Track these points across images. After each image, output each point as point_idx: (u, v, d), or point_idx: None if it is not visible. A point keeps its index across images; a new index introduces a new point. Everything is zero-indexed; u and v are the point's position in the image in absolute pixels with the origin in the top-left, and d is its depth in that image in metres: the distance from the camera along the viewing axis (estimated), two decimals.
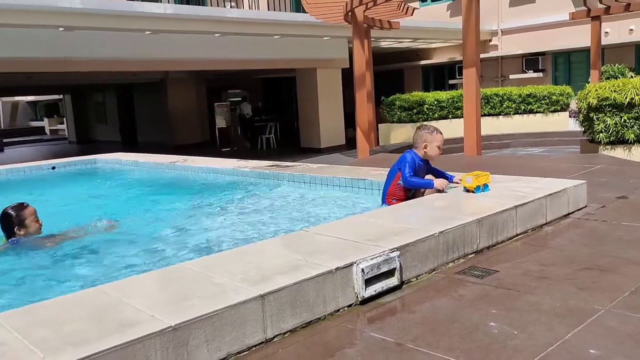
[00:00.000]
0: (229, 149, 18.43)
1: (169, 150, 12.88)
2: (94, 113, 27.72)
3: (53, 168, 8.61)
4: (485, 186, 4.00)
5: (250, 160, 7.35)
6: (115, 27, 11.19)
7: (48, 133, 37.41)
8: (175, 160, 7.94)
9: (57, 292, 3.02)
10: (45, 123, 39.33)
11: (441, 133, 4.20)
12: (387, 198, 4.24)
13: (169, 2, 13.88)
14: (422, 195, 4.15)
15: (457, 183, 4.17)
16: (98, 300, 2.23)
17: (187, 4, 14.40)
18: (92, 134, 27.85)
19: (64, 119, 31.29)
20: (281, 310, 2.27)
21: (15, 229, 4.09)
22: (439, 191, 4.09)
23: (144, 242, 4.14)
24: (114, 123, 26.15)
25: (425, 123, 4.43)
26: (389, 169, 4.29)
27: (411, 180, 4.07)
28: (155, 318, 1.99)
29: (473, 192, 3.95)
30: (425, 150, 4.12)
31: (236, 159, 7.66)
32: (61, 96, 30.12)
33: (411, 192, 4.19)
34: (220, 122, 19.24)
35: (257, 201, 5.43)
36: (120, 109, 25.59)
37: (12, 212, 4.11)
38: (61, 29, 10.79)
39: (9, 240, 4.11)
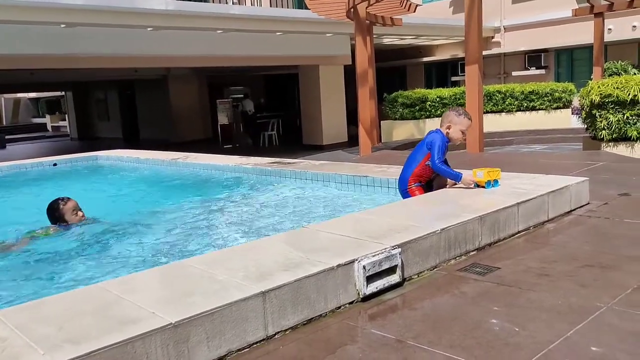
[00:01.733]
0: (230, 145, 18.44)
1: (170, 147, 12.89)
2: (96, 110, 27.76)
3: (54, 165, 8.61)
4: (496, 181, 3.98)
5: (252, 157, 7.35)
6: (117, 23, 11.21)
7: (50, 130, 37.48)
8: (176, 157, 7.94)
9: (54, 287, 3.03)
10: (47, 120, 39.40)
11: (470, 119, 4.02)
12: (411, 179, 4.05)
13: None
14: (441, 182, 4.07)
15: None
16: (99, 296, 2.23)
17: (189, 1, 14.37)
18: (94, 131, 27.90)
19: (66, 115, 31.33)
20: (282, 307, 2.27)
21: (57, 225, 4.40)
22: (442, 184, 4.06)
23: (144, 239, 4.14)
24: (115, 120, 26.20)
25: (458, 106, 4.17)
26: (392, 165, 4.21)
27: (440, 167, 3.89)
28: (156, 315, 1.99)
29: (484, 186, 3.93)
30: (448, 130, 3.98)
31: (238, 156, 7.66)
32: (63, 93, 30.16)
33: (434, 175, 4.07)
34: (222, 119, 19.25)
35: (258, 198, 5.43)
36: (122, 105, 25.63)
37: (54, 208, 4.42)
38: (63, 25, 10.80)
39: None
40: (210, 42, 13.75)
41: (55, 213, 4.40)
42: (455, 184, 4.07)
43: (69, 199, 4.47)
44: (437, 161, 3.89)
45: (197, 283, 2.34)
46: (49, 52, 11.54)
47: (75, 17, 10.52)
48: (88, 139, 26.55)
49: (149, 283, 2.42)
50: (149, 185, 7.08)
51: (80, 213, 4.47)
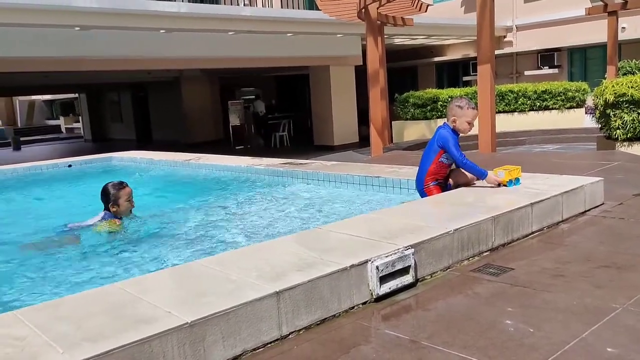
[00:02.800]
0: (242, 146, 18.51)
1: (183, 148, 12.98)
2: (109, 111, 28.01)
3: (69, 166, 8.71)
4: (517, 180, 3.97)
5: (264, 158, 7.37)
6: (130, 26, 11.31)
7: (64, 131, 37.89)
8: (189, 158, 7.99)
9: (74, 287, 3.07)
10: (61, 122, 39.83)
11: (474, 108, 3.98)
12: (426, 178, 4.04)
13: (183, 1, 13.94)
14: (463, 183, 4.06)
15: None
16: (116, 296, 2.26)
17: (201, 3, 14.45)
18: (107, 133, 28.15)
19: (80, 117, 31.64)
20: (296, 307, 2.28)
21: (110, 204, 4.41)
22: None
23: (159, 239, 4.18)
24: (128, 121, 26.41)
25: (460, 96, 4.17)
26: (403, 165, 4.20)
27: (467, 163, 3.87)
28: (172, 314, 2.01)
29: (505, 185, 3.93)
30: (454, 124, 3.96)
31: (250, 157, 7.69)
32: (77, 95, 30.46)
33: (450, 172, 4.06)
34: (234, 120, 19.33)
35: (271, 199, 5.44)
36: (135, 107, 25.84)
37: (111, 189, 4.46)
38: (77, 28, 10.91)
39: (102, 212, 4.46)
40: (222, 44, 13.82)
41: (112, 191, 4.42)
42: (473, 181, 4.06)
43: (127, 184, 4.54)
44: (460, 157, 3.87)
45: (212, 283, 2.36)
46: (63, 55, 11.67)
47: (89, 20, 10.63)
48: (101, 141, 26.81)
49: (165, 283, 2.44)
50: (162, 185, 7.13)
51: (132, 202, 4.53)
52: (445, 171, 4.06)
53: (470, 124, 3.98)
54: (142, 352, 1.84)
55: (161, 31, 12.16)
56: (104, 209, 4.48)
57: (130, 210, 4.54)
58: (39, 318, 2.08)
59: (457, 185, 4.13)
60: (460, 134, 4.02)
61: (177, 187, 7.05)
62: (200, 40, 13.34)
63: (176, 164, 7.94)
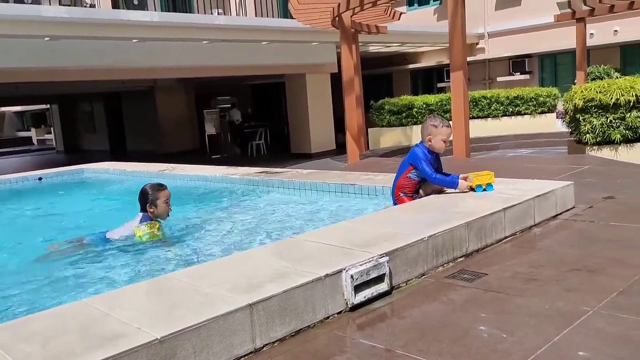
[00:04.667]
0: (219, 156, 18.38)
1: (158, 158, 12.81)
2: (82, 122, 27.57)
3: (40, 179, 8.53)
4: (489, 186, 4.03)
5: (239, 167, 7.33)
6: (101, 35, 11.16)
7: (35, 143, 37.15)
8: (164, 168, 7.90)
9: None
10: (32, 133, 39.04)
11: (448, 126, 4.07)
12: (396, 191, 4.21)
13: (155, 10, 13.83)
14: (431, 192, 4.15)
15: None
16: (84, 313, 2.21)
17: (174, 11, 14.34)
18: (80, 143, 27.69)
19: (52, 128, 31.09)
20: (270, 319, 2.26)
21: (147, 205, 4.36)
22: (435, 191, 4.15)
23: (130, 253, 4.11)
24: (102, 132, 26.02)
25: (435, 114, 4.32)
26: (379, 172, 4.29)
27: (437, 178, 4.01)
28: (142, 330, 1.97)
29: (474, 190, 4.01)
30: (430, 143, 4.05)
31: (226, 166, 7.64)
32: (48, 106, 29.93)
33: (419, 185, 4.17)
34: (210, 129, 19.19)
35: (246, 208, 5.41)
36: (108, 117, 25.48)
37: (149, 190, 4.41)
38: (47, 38, 10.73)
39: (140, 213, 4.39)
40: (197, 53, 13.74)
41: (150, 192, 4.36)
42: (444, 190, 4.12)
43: (166, 186, 4.49)
44: (430, 173, 4.00)
45: (183, 296, 2.32)
46: (34, 66, 11.46)
47: (59, 30, 10.46)
48: (74, 152, 26.35)
49: (135, 298, 2.39)
50: (136, 197, 7.01)
51: (170, 205, 4.45)
52: (413, 186, 4.19)
53: (445, 142, 4.09)
54: None
55: (134, 40, 12.04)
56: (141, 211, 4.39)
57: (168, 214, 4.46)
58: (3, 337, 2.01)
59: (428, 195, 4.19)
60: (437, 152, 4.12)
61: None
62: (174, 49, 13.25)
63: (150, 175, 7.84)
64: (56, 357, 1.81)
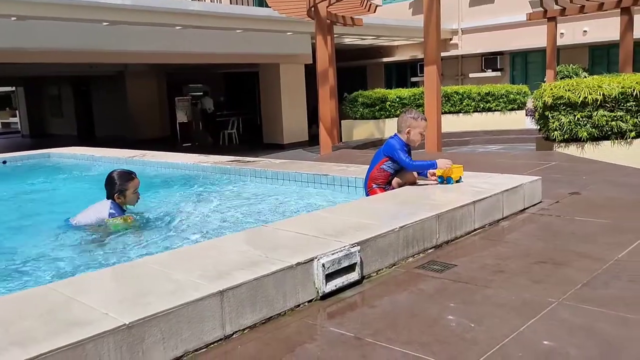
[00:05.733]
0: (190, 144, 18.17)
1: (128, 144, 12.58)
2: (49, 106, 26.88)
3: (4, 162, 8.29)
4: (457, 179, 4.13)
5: (211, 156, 7.25)
6: (70, 17, 10.86)
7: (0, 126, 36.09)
8: (133, 155, 7.76)
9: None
10: None
11: (425, 119, 4.20)
12: (369, 182, 4.26)
13: None
14: (406, 183, 4.20)
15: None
16: (49, 298, 2.15)
17: None
18: (47, 128, 27.01)
19: (17, 112, 30.21)
20: (240, 307, 2.24)
21: (115, 195, 4.21)
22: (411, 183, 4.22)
23: (98, 239, 4.03)
24: (70, 116, 25.42)
25: (411, 108, 4.49)
26: (351, 164, 4.32)
27: (415, 164, 4.08)
28: (109, 316, 1.93)
29: (436, 179, 4.14)
30: (408, 135, 4.13)
31: (197, 154, 7.55)
32: (14, 88, 29.07)
33: (392, 177, 4.22)
34: (181, 117, 18.96)
35: (217, 197, 5.35)
36: (76, 102, 24.90)
37: (117, 179, 4.23)
38: (13, 18, 10.39)
39: (108, 201, 4.23)
40: (169, 38, 13.51)
41: (119, 182, 4.20)
42: (417, 181, 4.20)
43: (135, 175, 4.33)
44: (408, 161, 4.08)
45: (153, 283, 2.29)
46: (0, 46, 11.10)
47: (26, 10, 10.15)
48: (40, 137, 25.68)
49: (102, 283, 2.35)
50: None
51: (138, 194, 4.32)
52: (386, 178, 4.24)
53: (422, 134, 4.20)
54: (75, 356, 1.75)
55: (104, 24, 11.76)
56: (108, 198, 4.23)
57: (137, 202, 4.33)
58: None
59: (401, 186, 4.23)
60: (412, 145, 4.20)
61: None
62: (146, 34, 12.99)
63: (119, 161, 7.69)
64: (19, 342, 1.76)
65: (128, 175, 4.29)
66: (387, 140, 4.23)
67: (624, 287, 2.54)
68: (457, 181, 4.13)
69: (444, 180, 4.13)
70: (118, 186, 4.22)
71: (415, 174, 4.25)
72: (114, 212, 4.19)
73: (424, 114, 8.70)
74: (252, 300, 2.29)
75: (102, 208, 4.22)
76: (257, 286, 2.31)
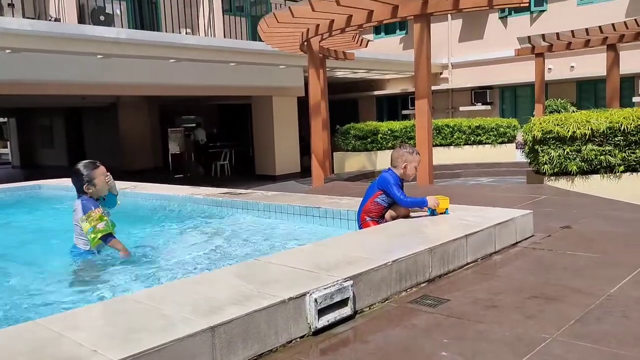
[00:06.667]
0: (182, 175, 18.15)
1: (119, 175, 12.48)
2: (40, 137, 26.84)
3: None
4: (446, 210, 4.18)
5: (203, 188, 7.24)
6: (65, 50, 10.96)
7: None
8: (124, 186, 7.72)
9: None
10: None
11: (419, 153, 4.31)
12: (362, 215, 4.29)
13: (122, 27, 13.70)
14: (398, 216, 4.24)
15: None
16: (37, 334, 2.11)
17: (141, 29, 14.24)
18: (38, 159, 26.91)
19: (8, 142, 30.14)
20: (232, 343, 2.21)
21: (85, 186, 4.13)
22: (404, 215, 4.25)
23: (88, 272, 3.98)
24: (61, 147, 25.37)
25: (403, 142, 4.60)
26: (344, 196, 4.35)
27: (408, 201, 4.12)
28: (98, 353, 1.90)
29: (433, 212, 4.18)
30: (404, 170, 4.21)
31: (189, 186, 7.54)
32: (5, 119, 29.06)
33: (385, 210, 4.26)
34: (174, 148, 18.98)
35: (209, 229, 5.33)
36: (68, 132, 24.89)
37: (83, 169, 4.16)
38: (8, 51, 10.47)
39: (79, 197, 4.16)
40: (163, 71, 13.63)
41: (85, 172, 4.12)
42: (409, 214, 4.23)
43: (100, 163, 4.26)
44: (401, 197, 4.11)
45: (143, 318, 2.26)
46: None
47: (22, 43, 10.24)
48: (31, 167, 25.56)
49: (92, 319, 2.31)
50: None
51: (109, 179, 4.23)
52: (379, 211, 4.27)
53: (417, 168, 4.31)
54: None
55: (98, 56, 11.87)
56: (78, 194, 4.15)
57: (107, 189, 4.24)
58: None
59: (394, 219, 4.25)
60: (405, 179, 4.28)
61: (111, 217, 6.77)
62: (140, 66, 13.11)
63: None
64: None
65: (92, 164, 4.23)
66: (382, 174, 4.29)
67: (616, 323, 2.54)
68: (442, 213, 4.19)
69: (433, 211, 4.20)
70: (85, 177, 4.14)
71: (403, 209, 4.29)
72: (88, 205, 4.07)
73: (415, 146, 8.85)
74: (244, 336, 2.26)
75: (77, 208, 4.13)
76: (249, 321, 2.28)
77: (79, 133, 24.25)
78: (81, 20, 12.93)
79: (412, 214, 4.30)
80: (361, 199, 4.45)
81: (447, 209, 4.22)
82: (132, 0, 14.95)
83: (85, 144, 24.01)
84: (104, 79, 12.81)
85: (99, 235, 4.04)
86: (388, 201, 4.22)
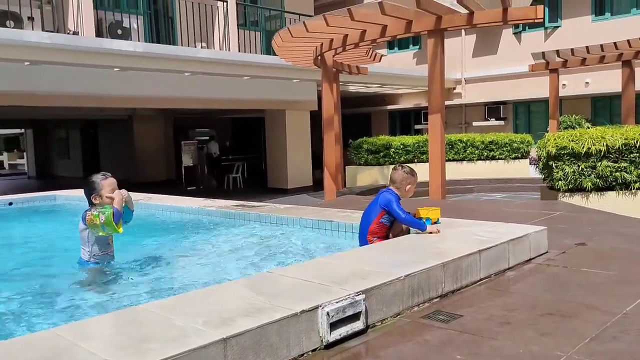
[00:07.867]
0: (195, 187, 18.24)
1: (133, 187, 12.58)
2: (56, 148, 27.17)
3: (10, 204, 8.33)
4: (428, 219, 4.23)
5: (216, 200, 7.27)
6: (82, 63, 11.13)
7: (6, 167, 36.43)
8: (139, 198, 7.78)
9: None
10: (4, 157, 38.33)
11: (416, 173, 4.49)
12: (368, 236, 4.32)
13: (139, 40, 13.89)
14: (398, 233, 4.29)
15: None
16: (51, 343, 2.13)
17: (157, 43, 14.42)
18: (53, 169, 27.22)
19: (25, 153, 30.56)
20: (243, 355, 2.21)
21: (92, 196, 4.21)
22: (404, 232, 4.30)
23: (103, 282, 4.01)
24: (76, 158, 25.65)
25: (403, 164, 4.68)
26: (356, 210, 4.37)
27: (408, 219, 4.18)
28: None
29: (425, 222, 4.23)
30: (406, 191, 4.35)
31: (202, 198, 7.58)
32: (23, 130, 29.49)
33: (389, 231, 4.32)
34: (187, 161, 19.09)
35: (221, 241, 5.35)
36: (84, 144, 25.18)
37: (93, 179, 4.25)
38: (27, 63, 10.65)
39: (87, 209, 4.21)
40: (178, 84, 13.77)
41: (95, 181, 4.20)
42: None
43: (110, 175, 4.30)
44: (403, 215, 4.16)
45: (155, 329, 2.26)
46: (12, 89, 11.33)
47: (41, 56, 10.41)
48: (46, 178, 25.87)
49: (105, 329, 2.33)
50: None
51: (116, 193, 4.18)
52: (385, 231, 4.33)
53: (414, 188, 4.48)
54: None
55: (115, 69, 12.03)
56: (89, 205, 4.23)
57: (111, 202, 4.22)
58: None
59: (395, 237, 4.28)
60: (403, 198, 4.39)
61: (125, 227, 6.82)
62: (156, 79, 13.26)
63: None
64: None
65: (102, 176, 4.28)
66: (381, 193, 4.35)
67: (632, 341, 2.50)
68: (435, 223, 4.26)
69: (428, 220, 4.27)
70: (95, 185, 4.20)
71: (403, 225, 4.35)
72: (85, 216, 4.13)
73: (427, 161, 8.87)
74: (256, 349, 2.26)
75: (80, 220, 4.20)
76: (261, 334, 2.28)
77: (94, 145, 24.52)
78: (99, 34, 13.11)
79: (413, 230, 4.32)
80: None
81: (438, 219, 4.33)
82: (149, 14, 15.17)
83: (100, 156, 24.26)
84: (120, 92, 12.97)
85: (111, 223, 4.04)
86: (390, 220, 4.29)
